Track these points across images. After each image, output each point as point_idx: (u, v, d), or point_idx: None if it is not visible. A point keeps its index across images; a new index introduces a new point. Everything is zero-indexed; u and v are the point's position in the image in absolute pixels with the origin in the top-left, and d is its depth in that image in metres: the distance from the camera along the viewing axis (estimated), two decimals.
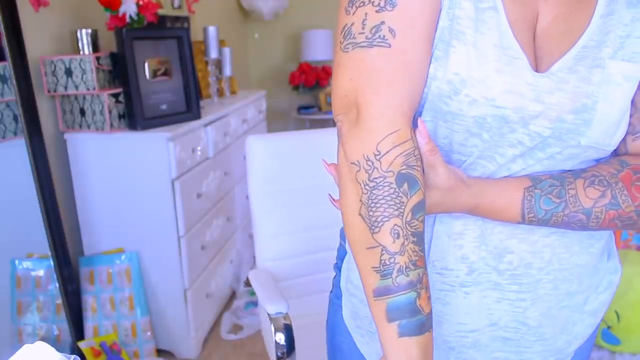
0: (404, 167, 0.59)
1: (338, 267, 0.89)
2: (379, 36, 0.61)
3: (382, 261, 0.59)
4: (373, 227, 0.59)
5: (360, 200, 0.60)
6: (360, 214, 0.60)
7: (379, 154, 0.60)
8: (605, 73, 0.63)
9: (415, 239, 0.59)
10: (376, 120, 0.60)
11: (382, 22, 0.61)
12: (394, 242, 0.58)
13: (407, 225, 0.59)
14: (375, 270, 0.59)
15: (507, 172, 0.68)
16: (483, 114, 0.63)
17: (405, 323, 0.58)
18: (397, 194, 0.59)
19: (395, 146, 0.60)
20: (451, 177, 0.64)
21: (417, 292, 0.58)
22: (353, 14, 0.63)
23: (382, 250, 0.59)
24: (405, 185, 0.59)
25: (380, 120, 0.60)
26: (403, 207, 0.59)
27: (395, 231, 0.58)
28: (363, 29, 0.62)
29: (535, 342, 0.74)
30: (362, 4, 0.63)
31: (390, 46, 0.61)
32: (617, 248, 0.81)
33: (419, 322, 0.58)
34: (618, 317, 1.88)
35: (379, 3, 0.62)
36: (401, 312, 0.58)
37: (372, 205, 0.59)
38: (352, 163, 0.61)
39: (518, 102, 0.63)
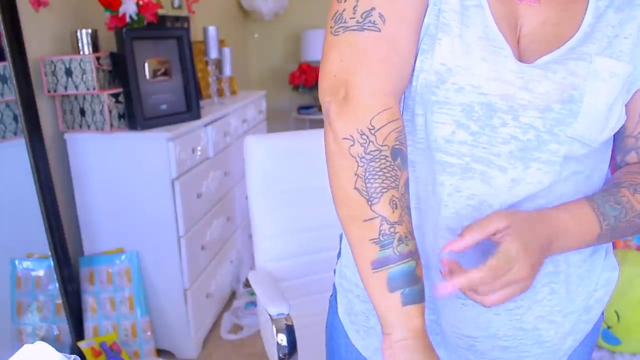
0: (397, 142, 0.61)
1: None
2: (370, 21, 0.63)
3: (382, 231, 0.59)
4: (372, 199, 0.59)
5: (356, 174, 0.60)
6: (356, 188, 0.60)
7: (374, 129, 0.60)
8: (592, 68, 0.64)
9: (408, 211, 0.60)
10: (369, 98, 0.62)
11: (373, 8, 0.63)
12: (393, 212, 0.59)
13: (402, 197, 0.59)
14: (374, 242, 0.59)
15: (517, 185, 0.66)
16: (470, 101, 0.65)
17: (408, 291, 0.58)
18: (392, 167, 0.60)
19: (389, 122, 0.61)
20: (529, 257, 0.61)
21: (416, 261, 0.59)
22: (345, 1, 0.65)
23: (381, 221, 0.59)
24: (399, 160, 0.60)
25: (372, 97, 0.62)
26: (398, 180, 0.60)
27: (394, 202, 0.59)
28: (354, 14, 0.64)
29: (532, 345, 0.74)
30: None
31: (380, 31, 0.63)
32: (616, 247, 0.81)
33: (419, 290, 0.58)
34: (618, 317, 1.88)
35: None
36: (403, 281, 0.58)
37: (370, 177, 0.59)
38: (344, 138, 0.61)
39: (504, 89, 0.64)
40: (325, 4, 0.69)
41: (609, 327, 1.91)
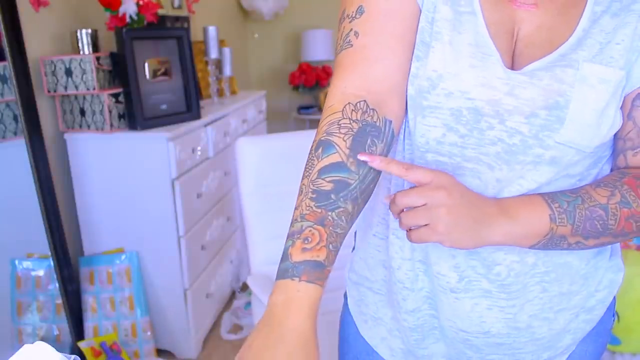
0: (324, 134, 0.64)
1: None
2: (347, 41, 0.70)
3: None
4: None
5: None
6: None
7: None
8: (579, 74, 0.64)
9: (314, 196, 0.61)
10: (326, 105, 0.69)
11: (351, 29, 0.70)
12: (297, 199, 0.63)
13: (310, 183, 0.62)
14: None
15: (500, 184, 0.68)
16: (459, 106, 0.67)
17: (278, 268, 0.60)
18: (312, 158, 0.64)
19: (325, 117, 0.66)
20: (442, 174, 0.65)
21: (292, 241, 0.60)
22: (339, 30, 0.73)
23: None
24: (320, 150, 0.63)
25: (327, 102, 0.68)
26: (312, 168, 0.63)
27: (301, 189, 0.63)
28: (340, 40, 0.72)
29: (527, 342, 0.76)
30: (343, 20, 0.72)
31: (352, 46, 0.69)
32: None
33: (283, 267, 0.59)
34: (618, 317, 1.88)
35: (352, 14, 0.70)
36: (280, 260, 0.61)
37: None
38: None
39: (490, 95, 0.66)
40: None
41: None
